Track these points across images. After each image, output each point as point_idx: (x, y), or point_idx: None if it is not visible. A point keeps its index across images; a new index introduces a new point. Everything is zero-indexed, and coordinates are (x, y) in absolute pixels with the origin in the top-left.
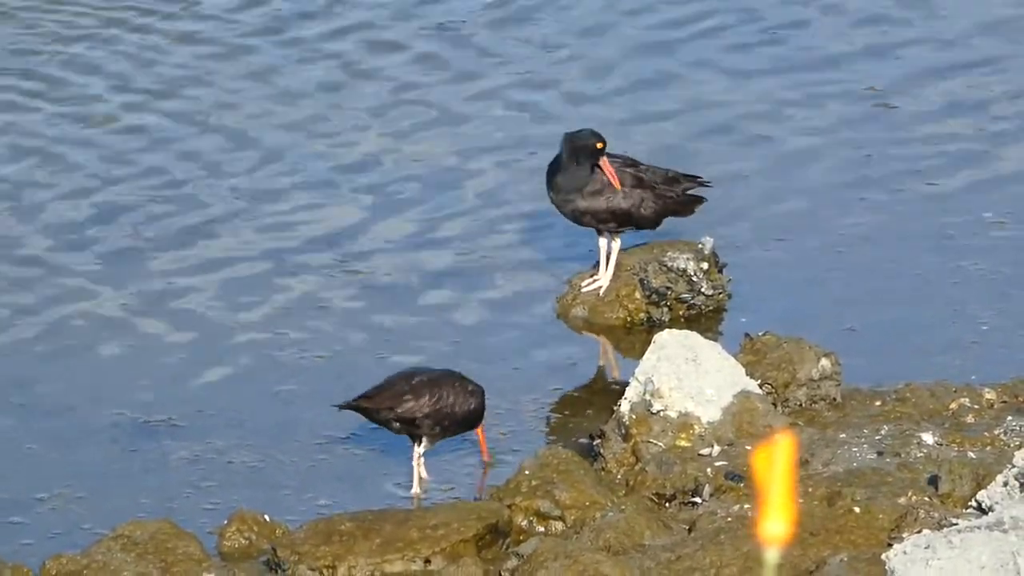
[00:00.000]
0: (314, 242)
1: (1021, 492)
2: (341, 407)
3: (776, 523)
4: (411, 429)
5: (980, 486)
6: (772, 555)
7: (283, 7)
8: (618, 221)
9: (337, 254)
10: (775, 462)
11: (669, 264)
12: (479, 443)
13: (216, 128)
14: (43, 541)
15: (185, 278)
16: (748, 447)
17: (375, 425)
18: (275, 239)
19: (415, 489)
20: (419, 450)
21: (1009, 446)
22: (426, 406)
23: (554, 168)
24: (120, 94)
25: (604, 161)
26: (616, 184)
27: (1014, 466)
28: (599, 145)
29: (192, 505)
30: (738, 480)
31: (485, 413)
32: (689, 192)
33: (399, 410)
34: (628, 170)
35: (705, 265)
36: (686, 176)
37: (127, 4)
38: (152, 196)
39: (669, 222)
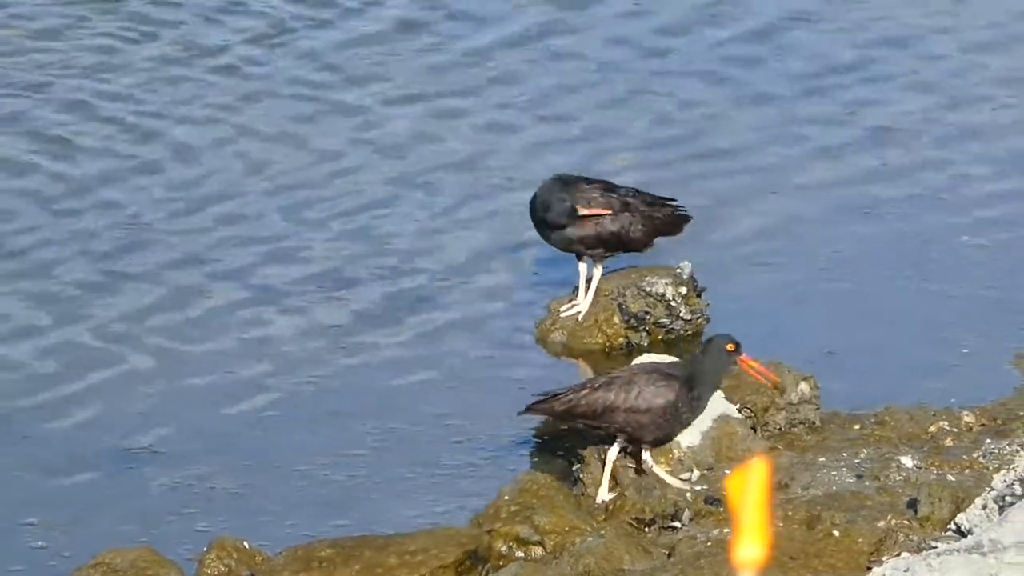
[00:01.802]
0: (293, 268)
1: (1000, 515)
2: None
3: (751, 547)
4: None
5: (959, 509)
6: None
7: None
8: (607, 246)
9: (316, 280)
10: (750, 487)
11: (647, 289)
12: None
13: (183, 156)
14: (24, 569)
15: (165, 306)
16: (728, 471)
17: (355, 451)
18: (253, 265)
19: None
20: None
21: (988, 469)
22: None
23: (534, 204)
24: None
25: (582, 209)
26: (603, 215)
27: (993, 489)
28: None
29: (172, 532)
30: (718, 504)
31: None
32: (677, 212)
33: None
34: (611, 194)
35: (683, 290)
36: (665, 201)
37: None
38: (126, 224)
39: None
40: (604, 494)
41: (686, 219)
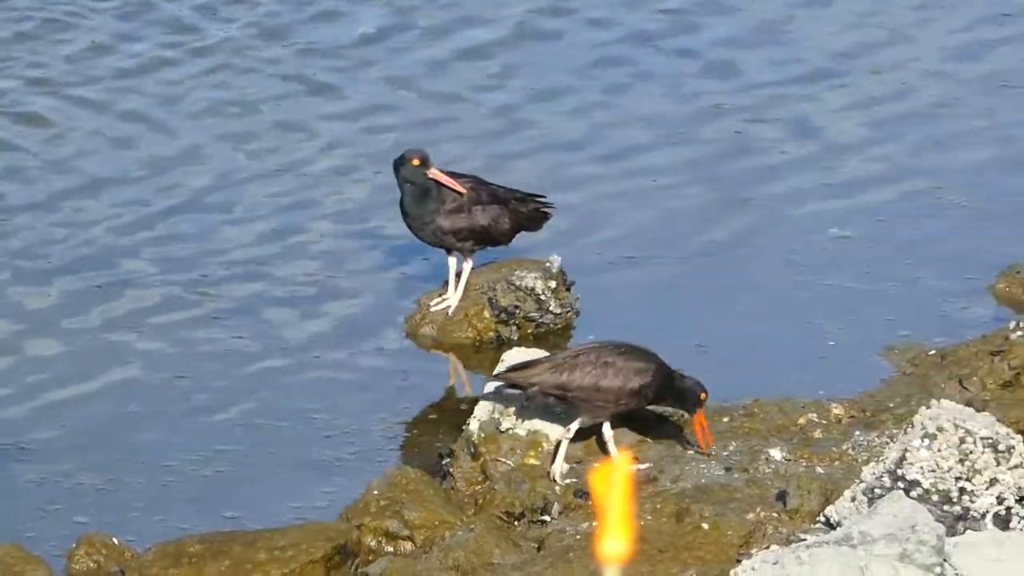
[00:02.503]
0: (157, 266)
1: (869, 507)
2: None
3: (615, 542)
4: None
5: (828, 501)
6: (612, 574)
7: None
8: (476, 238)
9: (183, 274)
10: (613, 481)
11: (517, 283)
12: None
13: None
14: None
15: (28, 302)
16: (596, 465)
17: (223, 446)
18: (114, 258)
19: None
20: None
21: (857, 461)
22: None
23: (401, 197)
24: None
25: (434, 173)
26: (457, 189)
27: (862, 481)
28: (415, 162)
29: (40, 529)
30: (587, 498)
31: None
32: (538, 208)
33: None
34: (482, 188)
35: (553, 284)
36: (531, 196)
37: None
38: None
39: (518, 241)
40: (560, 470)
41: (548, 216)
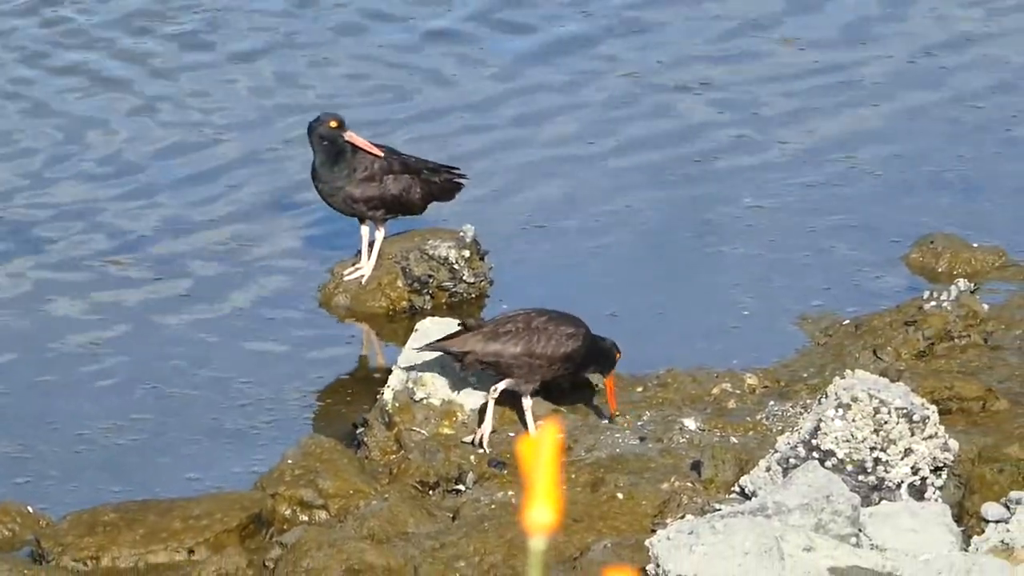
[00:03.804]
0: (75, 237)
1: (784, 477)
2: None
3: (542, 511)
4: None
5: (743, 471)
6: (538, 543)
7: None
8: (388, 207)
9: (95, 243)
10: (540, 450)
11: (431, 252)
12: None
13: None
14: None
15: None
16: (511, 434)
17: (137, 415)
18: (22, 229)
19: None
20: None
21: (771, 431)
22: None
23: (314, 161)
24: None
25: (350, 135)
26: (374, 152)
27: (777, 451)
28: (332, 124)
29: None
30: (501, 467)
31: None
32: (450, 178)
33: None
34: (394, 157)
35: (467, 253)
36: (443, 167)
37: None
38: None
39: (432, 211)
40: (487, 432)
41: (460, 186)
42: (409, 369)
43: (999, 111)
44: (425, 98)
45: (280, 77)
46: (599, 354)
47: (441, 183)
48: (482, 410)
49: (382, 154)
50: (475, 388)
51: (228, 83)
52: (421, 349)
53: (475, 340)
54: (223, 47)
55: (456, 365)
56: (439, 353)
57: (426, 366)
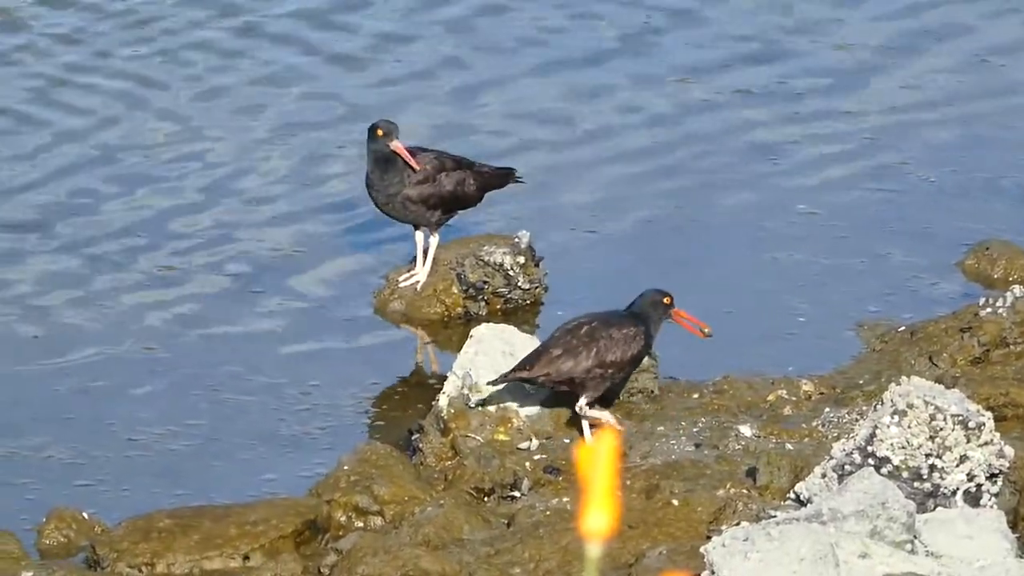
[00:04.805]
0: (128, 241)
1: (839, 484)
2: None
3: (598, 518)
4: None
5: (798, 478)
6: (594, 550)
7: None
8: (445, 204)
9: (150, 249)
10: (598, 456)
11: (486, 258)
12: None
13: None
14: None
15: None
16: (566, 441)
17: (192, 421)
18: (88, 237)
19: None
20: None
21: (827, 438)
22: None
23: (367, 170)
24: None
25: (395, 145)
26: (412, 164)
27: (832, 458)
28: (379, 133)
29: (9, 503)
30: (556, 474)
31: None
32: (501, 168)
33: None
34: (446, 158)
35: (522, 259)
36: (497, 169)
37: None
38: None
39: (487, 217)
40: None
41: (512, 173)
42: (465, 375)
43: None
44: (479, 103)
45: (328, 96)
46: (653, 323)
47: (492, 171)
48: (580, 421)
49: (418, 167)
50: (530, 394)
51: (284, 89)
52: (495, 383)
53: (546, 363)
54: (287, 50)
55: (526, 386)
56: (505, 372)
57: (482, 373)
